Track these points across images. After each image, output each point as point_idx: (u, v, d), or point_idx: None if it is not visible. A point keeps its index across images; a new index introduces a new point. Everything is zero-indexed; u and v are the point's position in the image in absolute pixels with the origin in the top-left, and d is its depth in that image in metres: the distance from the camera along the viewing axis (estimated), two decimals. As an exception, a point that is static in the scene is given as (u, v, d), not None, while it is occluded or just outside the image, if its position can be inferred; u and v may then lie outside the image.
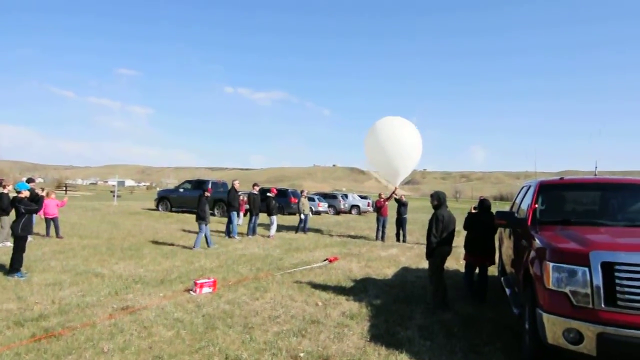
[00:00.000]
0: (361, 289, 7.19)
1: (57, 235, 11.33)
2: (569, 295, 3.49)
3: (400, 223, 14.83)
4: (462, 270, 9.37)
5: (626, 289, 3.30)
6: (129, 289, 6.47)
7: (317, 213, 28.75)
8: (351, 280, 7.83)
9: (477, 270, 6.97)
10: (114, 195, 30.06)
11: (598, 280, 3.37)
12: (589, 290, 3.39)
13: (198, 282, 6.45)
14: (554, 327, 3.52)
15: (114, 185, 38.44)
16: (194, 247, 10.52)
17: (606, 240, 3.83)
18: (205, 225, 10.69)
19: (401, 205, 14.71)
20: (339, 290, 6.99)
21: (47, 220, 11.51)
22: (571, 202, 5.72)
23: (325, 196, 32.70)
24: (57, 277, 6.92)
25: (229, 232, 13.21)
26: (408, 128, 14.28)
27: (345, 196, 33.87)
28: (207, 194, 10.99)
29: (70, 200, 30.29)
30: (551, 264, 3.64)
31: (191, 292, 6.35)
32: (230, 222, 13.31)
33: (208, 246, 10.76)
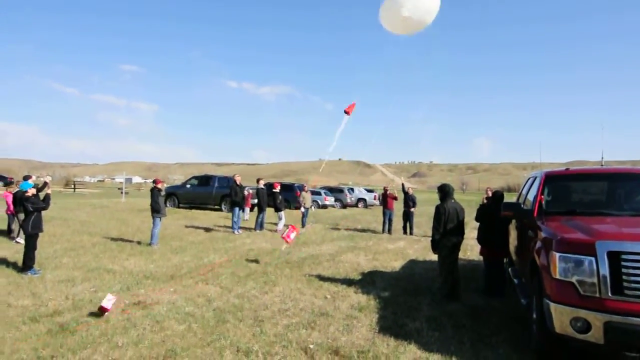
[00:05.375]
0: (369, 281, 7.25)
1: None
2: (576, 285, 3.51)
3: (407, 216, 14.86)
4: (470, 261, 9.42)
5: (632, 278, 3.32)
6: (140, 284, 6.57)
7: (324, 207, 28.82)
8: (359, 273, 7.89)
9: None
10: (121, 192, 30.30)
11: (604, 269, 3.39)
12: (595, 280, 3.42)
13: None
14: (561, 317, 3.55)
15: (121, 183, 38.68)
16: (151, 243, 10.08)
17: (612, 230, 3.84)
18: (160, 219, 10.27)
19: (408, 198, 14.72)
20: (347, 283, 7.05)
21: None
22: (577, 193, 5.72)
23: (331, 190, 32.75)
24: (69, 274, 7.04)
25: (238, 227, 13.31)
26: None
27: (352, 190, 33.90)
28: (159, 186, 10.51)
29: (79, 197, 30.65)
30: (558, 254, 3.67)
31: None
32: (233, 216, 13.42)
33: (150, 243, 10.12)
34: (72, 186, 51.33)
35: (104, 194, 39.01)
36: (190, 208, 21.31)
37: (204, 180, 22.21)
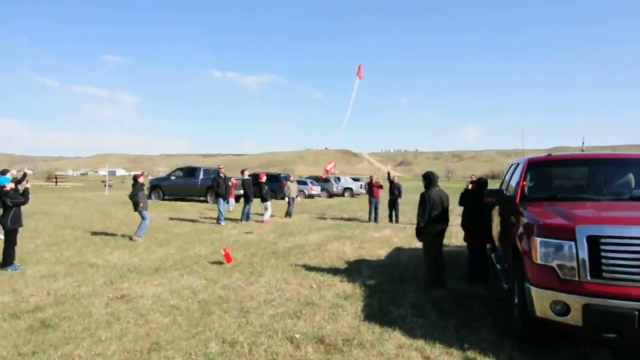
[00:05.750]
0: (355, 270, 7.28)
1: None
2: (556, 269, 3.57)
3: (393, 204, 14.94)
4: (455, 248, 9.53)
5: (611, 261, 3.38)
6: (124, 278, 6.50)
7: (311, 197, 28.85)
8: (345, 262, 7.92)
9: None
10: (105, 185, 29.90)
11: (584, 253, 3.44)
12: (575, 264, 3.47)
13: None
14: (542, 300, 3.61)
15: (104, 176, 38.13)
16: (136, 235, 9.85)
17: (591, 215, 3.90)
18: (144, 210, 9.99)
19: (394, 186, 14.79)
20: (333, 272, 7.08)
21: None
22: (559, 178, 5.79)
23: (318, 179, 32.76)
24: (51, 269, 6.93)
25: (223, 218, 13.25)
26: None
27: (338, 179, 33.96)
28: (140, 179, 10.33)
29: (61, 191, 30.14)
30: (539, 239, 3.71)
31: None
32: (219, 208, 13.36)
33: (134, 237, 9.86)
34: (54, 180, 50.46)
35: (87, 187, 38.48)
36: (175, 200, 21.12)
37: (189, 172, 22.02)
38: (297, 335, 4.28)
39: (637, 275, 3.29)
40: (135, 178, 10.38)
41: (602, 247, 3.42)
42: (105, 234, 10.65)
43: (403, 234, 11.76)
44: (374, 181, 15.32)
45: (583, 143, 6.21)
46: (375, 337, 4.27)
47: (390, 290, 5.99)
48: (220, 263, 7.54)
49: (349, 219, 15.82)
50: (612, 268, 3.37)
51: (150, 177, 28.06)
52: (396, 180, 15.05)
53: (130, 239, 9.82)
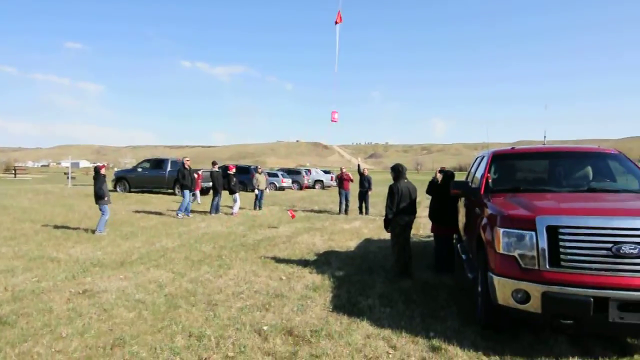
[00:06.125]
0: (324, 261, 7.32)
1: None
2: (517, 258, 3.68)
3: (363, 196, 15.07)
4: (422, 239, 9.71)
5: (569, 250, 3.51)
6: (87, 272, 6.30)
7: (281, 189, 28.77)
8: (315, 254, 7.95)
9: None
10: (67, 177, 28.89)
11: (543, 243, 3.56)
12: (535, 253, 3.59)
13: None
14: (503, 289, 3.72)
15: (67, 167, 36.84)
16: (97, 231, 9.52)
17: (551, 206, 4.03)
18: (106, 205, 9.77)
19: (364, 179, 14.91)
20: (303, 263, 7.08)
21: None
22: (521, 171, 5.97)
23: (289, 172, 32.71)
24: (8, 264, 6.64)
25: (183, 210, 12.90)
26: None
27: (309, 171, 33.99)
28: (102, 172, 10.02)
29: (20, 183, 28.91)
30: (501, 230, 3.82)
31: None
32: (183, 200, 13.03)
33: (95, 232, 9.55)
34: (13, 172, 48.34)
35: (49, 179, 37.08)
36: (142, 192, 20.63)
37: (156, 164, 21.52)
38: (265, 328, 4.27)
39: (593, 263, 3.43)
40: (97, 170, 10.03)
41: (561, 236, 3.55)
42: (68, 227, 10.30)
43: (372, 226, 11.88)
44: (344, 174, 15.40)
45: (545, 137, 6.43)
46: (343, 328, 4.30)
47: (359, 281, 6.05)
48: (187, 259, 7.42)
49: (320, 211, 15.87)
50: (569, 257, 3.50)
51: (115, 169, 27.31)
52: (366, 172, 15.18)
53: (94, 232, 9.53)
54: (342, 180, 15.30)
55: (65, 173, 37.32)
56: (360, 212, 14.99)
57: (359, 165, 15.06)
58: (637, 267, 3.33)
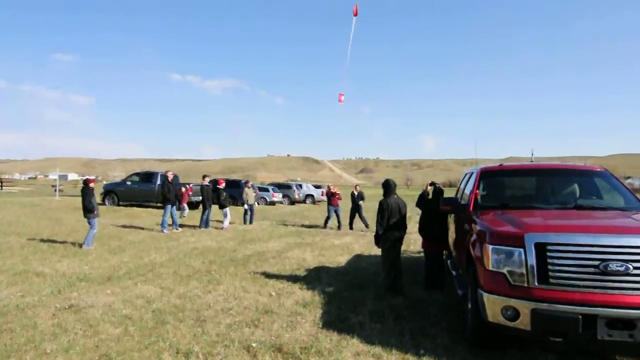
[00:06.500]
0: (315, 277, 7.28)
1: None
2: (507, 275, 3.70)
3: (354, 212, 15.15)
4: (413, 255, 9.71)
5: (557, 267, 3.54)
6: (74, 287, 6.20)
7: (272, 203, 28.70)
8: (305, 270, 7.91)
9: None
10: (55, 190, 28.53)
11: (532, 260, 3.59)
12: (524, 270, 3.61)
13: None
14: (493, 306, 3.73)
15: (55, 180, 36.39)
16: (85, 245, 9.35)
17: (539, 223, 4.07)
18: (95, 218, 9.60)
19: (355, 196, 15.08)
20: (293, 279, 7.04)
21: None
22: (510, 187, 6.04)
23: (279, 186, 32.69)
24: (-8, 278, 6.51)
25: (166, 225, 12.64)
26: None
27: (300, 186, 33.98)
28: (92, 185, 9.84)
29: (7, 196, 28.44)
30: (490, 247, 3.84)
31: None
32: (164, 214, 12.79)
33: (83, 246, 9.35)
34: (0, 184, 47.62)
35: (36, 192, 36.56)
36: (131, 206, 20.43)
37: (146, 177, 21.35)
38: (254, 344, 4.22)
39: (580, 280, 3.46)
40: (86, 182, 9.92)
41: (549, 253, 3.58)
42: (54, 241, 10.15)
43: (363, 241, 11.88)
44: (331, 190, 15.65)
45: (532, 154, 6.52)
46: (333, 345, 4.27)
47: (349, 297, 6.02)
48: (176, 273, 7.33)
49: (310, 226, 15.83)
50: (557, 274, 3.53)
51: (104, 182, 27.04)
52: (358, 189, 15.42)
53: (81, 246, 9.39)
54: (330, 197, 15.46)
55: (52, 185, 36.85)
56: (351, 228, 15.00)
57: (328, 186, 16.00)
58: (624, 285, 3.36)
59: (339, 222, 15.16)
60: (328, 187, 16.26)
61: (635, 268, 3.35)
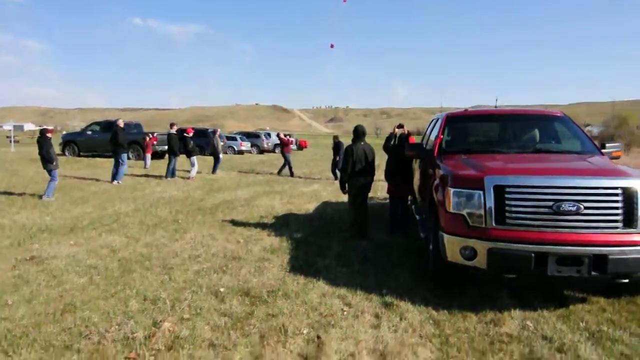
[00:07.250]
0: (283, 224, 7.35)
1: None
2: (466, 217, 3.83)
3: (336, 163, 15.11)
4: (380, 201, 9.90)
5: (514, 209, 3.68)
6: (35, 238, 6.05)
7: (240, 152, 28.40)
8: (273, 217, 7.96)
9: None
10: (10, 141, 27.21)
11: (490, 201, 3.71)
12: (482, 212, 3.74)
13: None
14: (453, 246, 3.88)
15: (10, 130, 34.60)
16: (45, 196, 9.07)
17: (499, 166, 4.19)
18: (55, 170, 9.29)
19: (336, 146, 14.89)
20: (261, 226, 7.09)
21: None
22: (474, 133, 6.13)
23: (248, 135, 32.28)
24: (-54, 232, 6.26)
25: (120, 176, 12.01)
26: None
27: (269, 135, 33.61)
28: (49, 135, 9.39)
29: (-43, 147, 26.91)
30: (452, 190, 3.94)
31: None
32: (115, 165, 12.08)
33: (43, 197, 9.07)
34: (-51, 135, 44.90)
35: (-10, 143, 34.75)
36: (93, 156, 19.77)
37: (107, 126, 20.47)
38: (222, 289, 4.28)
39: (535, 220, 3.61)
40: (42, 132, 9.45)
41: (507, 195, 3.71)
42: (11, 193, 9.76)
43: (331, 189, 11.99)
44: (283, 139, 16.25)
45: (497, 100, 6.59)
46: (299, 288, 4.38)
47: (316, 243, 6.13)
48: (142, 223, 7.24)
49: (280, 175, 15.82)
50: (514, 215, 3.67)
51: (64, 132, 25.91)
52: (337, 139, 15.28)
53: (40, 198, 9.09)
54: (283, 145, 15.96)
55: (7, 137, 35.06)
56: (335, 178, 14.87)
57: (278, 134, 16.14)
58: (573, 224, 3.54)
59: (290, 168, 15.67)
60: (277, 135, 16.81)
61: (586, 208, 3.52)
